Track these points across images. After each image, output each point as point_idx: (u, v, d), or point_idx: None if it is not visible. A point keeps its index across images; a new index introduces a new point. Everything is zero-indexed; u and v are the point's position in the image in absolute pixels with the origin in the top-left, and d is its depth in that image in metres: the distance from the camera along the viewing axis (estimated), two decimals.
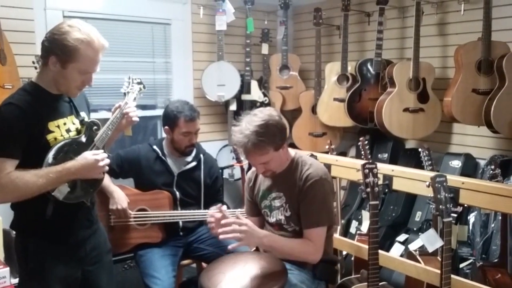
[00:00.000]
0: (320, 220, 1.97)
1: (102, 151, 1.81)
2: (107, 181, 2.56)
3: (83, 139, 1.80)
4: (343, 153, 3.77)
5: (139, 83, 2.06)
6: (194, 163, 2.75)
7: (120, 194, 2.55)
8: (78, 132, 1.81)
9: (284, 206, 2.04)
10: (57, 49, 1.67)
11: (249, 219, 2.26)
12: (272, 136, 1.91)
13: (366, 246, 2.12)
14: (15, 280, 2.06)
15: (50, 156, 1.69)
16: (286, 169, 2.06)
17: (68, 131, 1.78)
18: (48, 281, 1.77)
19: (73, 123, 1.82)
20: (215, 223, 1.97)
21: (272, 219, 2.10)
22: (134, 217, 2.58)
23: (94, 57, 1.71)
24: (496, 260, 2.42)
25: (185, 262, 2.74)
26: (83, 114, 1.87)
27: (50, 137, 1.71)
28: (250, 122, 1.92)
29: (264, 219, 2.19)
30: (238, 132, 1.92)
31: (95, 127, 1.84)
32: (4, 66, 2.60)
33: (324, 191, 1.98)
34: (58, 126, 1.74)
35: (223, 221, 1.88)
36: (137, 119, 1.97)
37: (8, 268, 2.24)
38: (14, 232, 1.87)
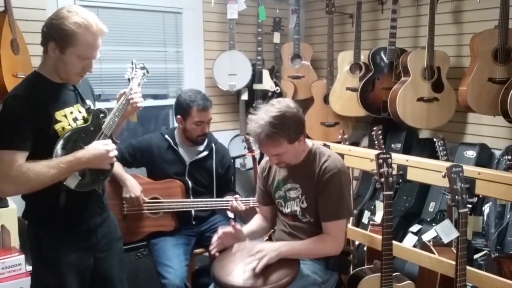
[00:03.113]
0: (340, 213, 1.95)
1: (111, 141, 1.81)
2: (120, 169, 2.57)
3: (91, 127, 1.79)
4: (356, 143, 3.74)
5: (142, 68, 2.04)
6: (206, 153, 2.74)
7: (133, 182, 2.56)
8: (85, 120, 1.80)
9: (300, 198, 2.02)
10: (55, 34, 1.65)
11: (261, 208, 2.26)
12: (287, 128, 1.88)
13: (379, 236, 2.11)
14: (31, 267, 2.09)
15: (59, 146, 1.69)
16: (303, 161, 2.04)
17: (75, 120, 1.77)
18: (62, 269, 1.78)
19: (80, 112, 1.81)
20: (223, 237, 1.99)
21: (286, 210, 2.09)
22: (147, 206, 2.59)
23: (92, 42, 1.69)
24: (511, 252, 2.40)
25: (198, 251, 2.75)
26: (88, 102, 1.86)
27: (57, 127, 1.71)
28: (266, 112, 1.89)
29: (276, 209, 2.18)
30: (253, 122, 1.90)
31: (101, 115, 1.83)
32: (17, 55, 2.61)
33: (342, 183, 1.96)
34: (65, 116, 1.74)
35: (235, 246, 1.90)
36: (142, 104, 1.96)
37: (23, 256, 2.27)
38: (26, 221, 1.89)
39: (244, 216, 2.82)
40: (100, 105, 1.94)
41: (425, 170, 2.13)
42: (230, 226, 2.01)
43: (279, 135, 1.88)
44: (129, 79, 2.00)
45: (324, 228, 1.97)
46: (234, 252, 1.91)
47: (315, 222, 2.01)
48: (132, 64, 2.05)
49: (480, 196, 2.25)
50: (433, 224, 2.83)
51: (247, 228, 2.14)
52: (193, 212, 2.68)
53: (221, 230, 2.02)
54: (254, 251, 1.84)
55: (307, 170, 2.01)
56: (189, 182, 2.69)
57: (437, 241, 2.34)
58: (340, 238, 1.97)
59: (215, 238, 2.02)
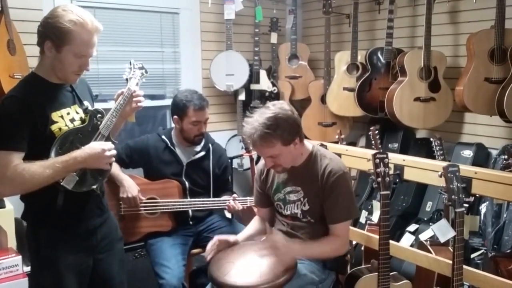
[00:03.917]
0: (348, 215, 2.00)
1: (110, 142, 1.80)
2: (117, 170, 2.57)
3: (88, 128, 1.79)
4: (353, 143, 3.75)
5: (141, 68, 2.03)
6: (203, 153, 2.74)
7: (130, 182, 2.56)
8: (83, 121, 1.80)
9: (302, 201, 2.03)
10: (51, 33, 1.65)
11: (259, 210, 2.27)
12: (280, 129, 1.88)
13: (377, 236, 2.11)
14: (27, 268, 2.08)
15: (56, 146, 1.69)
16: (304, 163, 2.04)
17: (72, 120, 1.77)
18: (60, 270, 1.78)
19: (77, 113, 1.81)
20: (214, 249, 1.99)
21: (286, 212, 2.09)
22: (144, 206, 2.59)
23: (88, 39, 1.69)
24: (508, 251, 2.40)
25: (195, 251, 2.75)
26: (86, 103, 1.85)
27: (54, 127, 1.70)
28: (261, 114, 1.91)
29: (275, 210, 2.19)
30: (248, 124, 1.92)
31: (99, 115, 1.82)
32: (14, 56, 2.61)
33: (348, 185, 1.99)
34: (62, 116, 1.74)
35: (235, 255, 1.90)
36: (142, 104, 1.95)
37: (20, 257, 2.26)
38: (25, 222, 1.88)
39: (241, 216, 2.82)
40: (97, 105, 1.94)
41: (421, 169, 2.13)
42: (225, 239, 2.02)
43: (272, 136, 1.88)
44: (127, 79, 1.99)
45: (333, 230, 1.99)
46: (233, 249, 1.91)
47: (315, 222, 2.03)
48: (130, 64, 2.03)
49: (477, 195, 2.26)
50: (430, 224, 2.83)
51: (244, 234, 2.15)
52: (190, 212, 2.68)
53: (216, 238, 2.02)
54: (270, 244, 1.86)
55: (309, 173, 2.02)
56: (186, 183, 2.69)
57: (434, 240, 2.34)
58: (347, 238, 2.05)
59: (210, 245, 2.01)
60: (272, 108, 1.92)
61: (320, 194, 1.98)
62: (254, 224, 2.23)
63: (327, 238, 2.00)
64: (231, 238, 2.04)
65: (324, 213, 2.01)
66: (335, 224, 1.98)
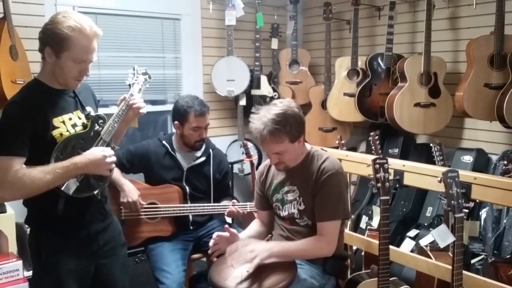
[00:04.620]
0: (335, 214, 1.97)
1: (110, 148, 1.81)
2: (118, 174, 2.57)
3: (90, 133, 1.80)
4: (353, 148, 3.75)
5: (144, 74, 2.03)
6: (203, 158, 2.75)
7: (130, 187, 2.56)
8: (85, 126, 1.81)
9: (298, 200, 2.03)
10: (50, 39, 1.67)
11: (259, 213, 2.27)
12: (289, 125, 1.92)
13: (377, 241, 2.11)
14: (28, 273, 2.09)
15: (57, 152, 1.70)
16: (301, 163, 2.06)
17: (74, 126, 1.78)
18: (61, 275, 1.79)
19: (79, 118, 1.82)
20: (219, 242, 1.99)
21: (284, 213, 2.09)
22: (145, 211, 2.60)
23: (87, 45, 1.70)
24: (508, 256, 2.40)
25: (195, 256, 2.75)
26: (89, 108, 1.86)
27: (55, 133, 1.71)
28: (268, 110, 1.93)
29: (274, 214, 2.19)
30: (256, 119, 1.93)
31: (101, 121, 1.83)
32: (16, 62, 2.63)
33: (339, 185, 1.98)
34: (64, 122, 1.75)
35: (228, 249, 1.87)
36: (144, 110, 1.96)
37: (21, 261, 2.26)
38: (26, 226, 1.89)
39: (241, 221, 2.82)
40: (99, 111, 1.94)
41: (421, 175, 2.14)
42: (225, 229, 2.02)
43: (281, 132, 1.90)
44: (129, 85, 2.00)
45: (319, 228, 1.97)
46: (229, 256, 1.91)
47: (313, 225, 2.02)
48: (134, 70, 2.04)
49: (477, 200, 2.26)
50: (431, 229, 2.82)
51: (244, 234, 2.15)
52: (190, 217, 2.68)
53: (216, 234, 2.02)
54: (245, 252, 1.85)
55: (305, 172, 2.03)
56: (187, 188, 2.69)
57: (434, 246, 2.34)
58: (334, 239, 1.98)
59: (211, 243, 2.02)
60: (280, 105, 1.95)
61: (314, 192, 1.99)
62: (254, 226, 2.24)
63: (312, 237, 1.98)
64: (231, 230, 2.02)
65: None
66: (321, 222, 1.96)
